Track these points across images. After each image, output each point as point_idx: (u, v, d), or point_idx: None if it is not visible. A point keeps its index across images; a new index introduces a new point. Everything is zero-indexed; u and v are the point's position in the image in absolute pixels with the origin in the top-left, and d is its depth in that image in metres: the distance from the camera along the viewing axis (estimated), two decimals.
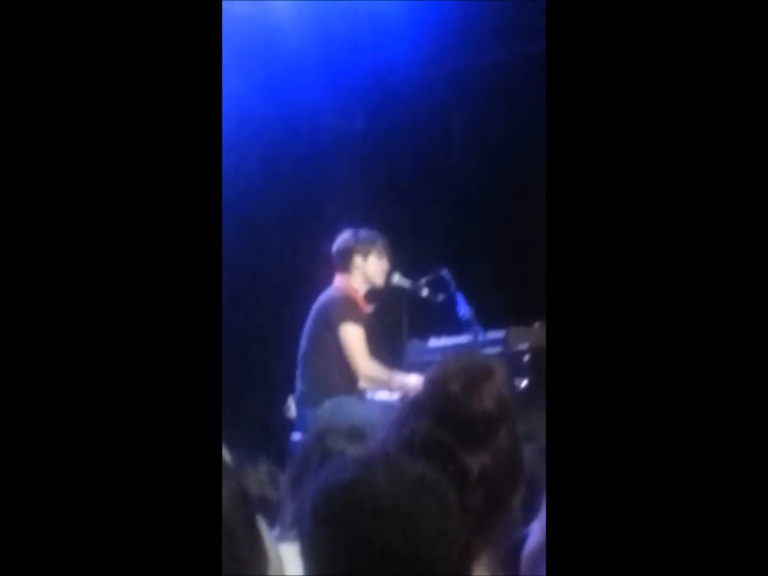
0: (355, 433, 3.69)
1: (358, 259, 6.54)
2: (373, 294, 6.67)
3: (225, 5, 2.75)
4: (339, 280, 6.58)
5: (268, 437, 6.31)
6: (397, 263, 6.82)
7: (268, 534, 2.63)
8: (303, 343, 6.55)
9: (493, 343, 6.40)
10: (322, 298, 6.55)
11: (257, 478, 3.70)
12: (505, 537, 2.30)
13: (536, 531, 2.22)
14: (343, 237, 6.62)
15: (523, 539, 2.27)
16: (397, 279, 6.76)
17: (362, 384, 6.51)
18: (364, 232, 6.64)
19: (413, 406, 2.39)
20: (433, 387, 2.39)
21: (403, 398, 6.12)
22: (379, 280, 6.61)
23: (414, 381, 6.26)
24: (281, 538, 3.41)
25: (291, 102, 8.25)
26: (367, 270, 6.56)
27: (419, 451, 2.21)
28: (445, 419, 2.31)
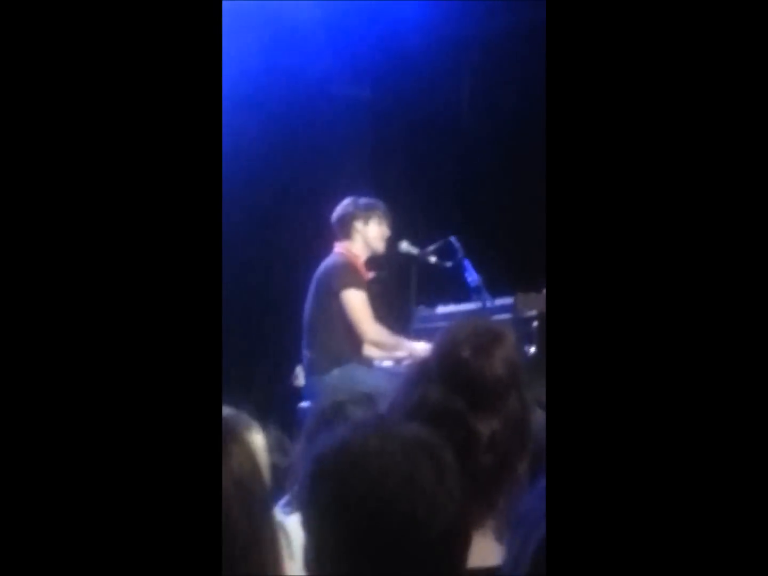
0: (365, 400, 3.70)
1: (358, 225, 6.53)
2: (373, 261, 6.66)
3: None
4: (339, 246, 6.56)
5: (277, 406, 6.31)
6: (405, 230, 6.82)
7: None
8: (307, 310, 6.54)
9: (502, 309, 6.36)
10: (323, 264, 6.54)
11: (266, 444, 3.69)
12: (509, 503, 2.28)
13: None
14: (343, 204, 6.61)
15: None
16: (405, 246, 6.74)
17: (368, 349, 6.50)
18: (363, 199, 6.63)
19: (422, 371, 2.37)
20: (442, 352, 2.37)
21: (411, 364, 6.15)
22: (379, 245, 6.58)
23: (422, 347, 6.25)
24: (291, 506, 3.41)
25: (298, 70, 8.21)
26: (368, 235, 6.54)
27: (428, 416, 2.19)
28: (455, 384, 2.29)
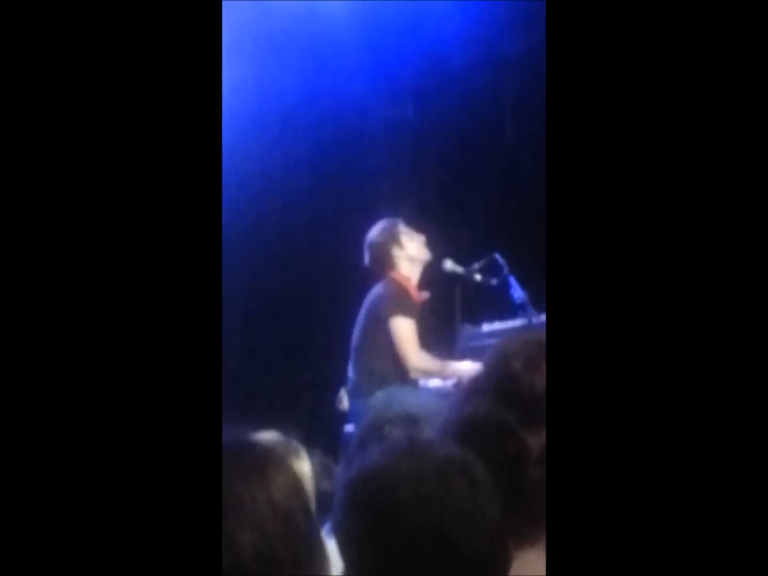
0: (411, 420, 3.63)
1: (395, 250, 6.52)
2: (426, 278, 6.63)
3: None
4: (389, 273, 6.55)
5: (322, 430, 6.29)
6: (449, 250, 6.79)
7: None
8: (355, 335, 6.55)
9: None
10: (375, 290, 6.54)
11: (312, 470, 3.65)
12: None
13: None
14: (368, 242, 6.59)
15: None
16: (449, 265, 6.72)
17: (413, 375, 6.47)
18: (379, 227, 6.59)
19: (473, 387, 2.34)
20: (494, 367, 2.35)
21: (459, 383, 6.11)
22: (423, 254, 6.57)
23: (467, 367, 6.22)
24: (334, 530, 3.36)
25: (338, 93, 8.22)
26: (408, 253, 6.53)
27: (479, 431, 2.18)
28: (505, 399, 2.25)
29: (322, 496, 3.54)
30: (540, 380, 2.27)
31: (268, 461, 2.00)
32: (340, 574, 1.93)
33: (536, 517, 2.16)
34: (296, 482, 1.99)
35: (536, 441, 2.23)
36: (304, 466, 3.52)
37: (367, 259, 6.61)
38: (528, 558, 2.00)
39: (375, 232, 6.61)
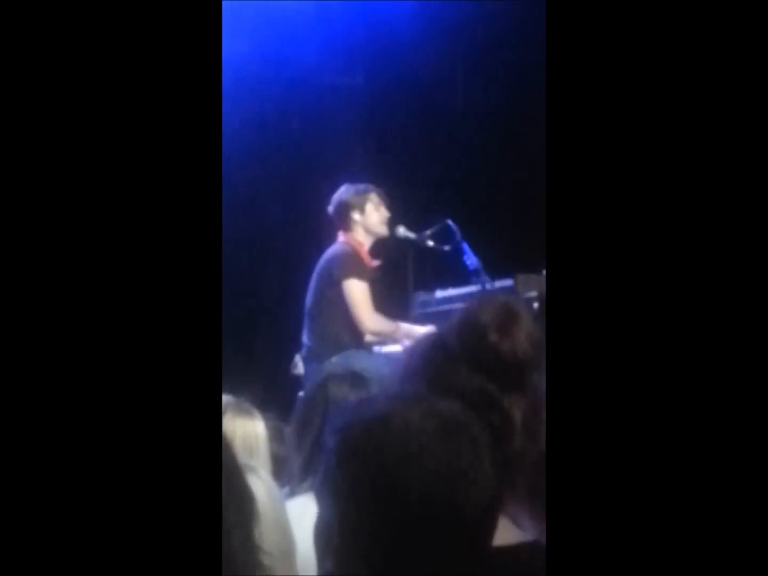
0: (358, 380, 3.64)
1: (355, 214, 6.51)
2: (378, 246, 6.63)
3: None
4: (342, 236, 6.55)
5: (276, 395, 6.28)
6: (401, 216, 6.78)
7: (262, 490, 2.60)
8: (308, 299, 6.52)
9: (502, 292, 6.33)
10: (326, 254, 6.52)
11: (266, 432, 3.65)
12: (531, 483, 2.25)
13: None
14: (337, 194, 6.60)
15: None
16: (401, 231, 6.71)
17: (368, 339, 6.47)
18: (353, 187, 6.60)
19: (438, 349, 2.31)
20: (466, 333, 2.31)
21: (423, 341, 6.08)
22: (381, 229, 6.57)
23: (421, 331, 6.21)
24: (292, 493, 3.38)
25: (289, 61, 8.19)
26: (367, 222, 6.52)
27: (460, 398, 2.10)
28: (487, 370, 2.24)
29: (277, 460, 3.57)
30: (515, 348, 2.26)
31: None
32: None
33: (520, 489, 2.18)
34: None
35: (518, 412, 2.22)
36: (257, 425, 3.53)
37: (330, 213, 6.60)
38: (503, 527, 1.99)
39: (344, 190, 6.59)
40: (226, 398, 3.43)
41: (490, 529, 1.83)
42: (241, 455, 2.25)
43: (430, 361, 2.31)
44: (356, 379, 3.64)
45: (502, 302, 2.41)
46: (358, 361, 6.13)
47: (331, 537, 1.81)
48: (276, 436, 3.94)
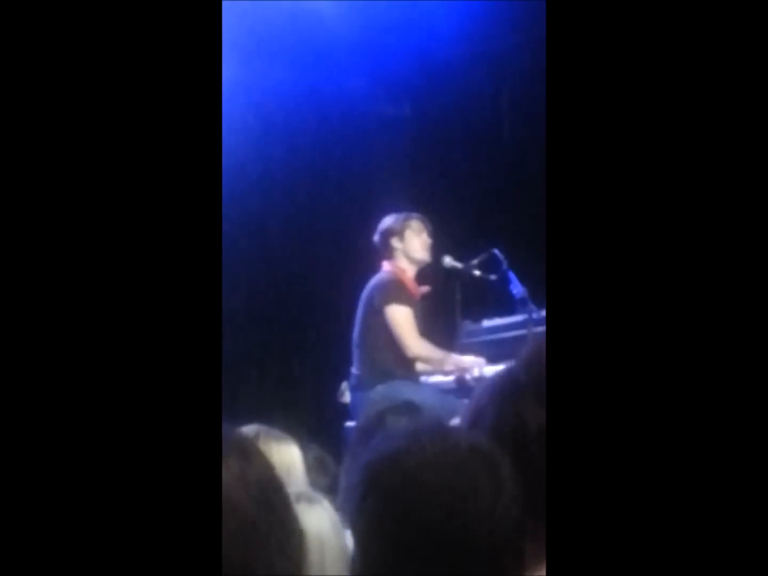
0: (412, 409, 3.63)
1: (395, 242, 6.57)
2: (423, 274, 6.64)
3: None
4: (386, 264, 6.61)
5: (323, 423, 6.29)
6: (449, 246, 6.80)
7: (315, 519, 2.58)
8: (355, 329, 6.56)
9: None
10: (370, 282, 6.57)
11: (305, 463, 3.64)
12: None
13: None
14: (380, 224, 6.66)
15: None
16: (448, 261, 6.72)
17: (418, 367, 6.49)
18: (395, 215, 6.66)
19: (512, 384, 2.28)
20: (535, 367, 2.29)
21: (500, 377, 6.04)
22: (422, 255, 6.60)
23: (470, 361, 6.21)
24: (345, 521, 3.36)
25: (335, 91, 8.22)
26: (408, 249, 6.57)
27: (522, 433, 2.07)
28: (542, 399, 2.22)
29: (320, 489, 3.56)
30: None
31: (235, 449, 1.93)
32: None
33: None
34: (269, 468, 1.90)
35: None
36: (291, 452, 3.51)
37: (375, 242, 6.66)
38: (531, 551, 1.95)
39: (387, 218, 6.67)
40: (257, 426, 3.43)
41: (514, 561, 1.81)
42: (296, 484, 2.21)
43: (504, 394, 2.28)
44: (411, 408, 3.63)
45: None
46: (403, 390, 6.13)
47: (355, 570, 1.82)
48: (317, 466, 3.93)
